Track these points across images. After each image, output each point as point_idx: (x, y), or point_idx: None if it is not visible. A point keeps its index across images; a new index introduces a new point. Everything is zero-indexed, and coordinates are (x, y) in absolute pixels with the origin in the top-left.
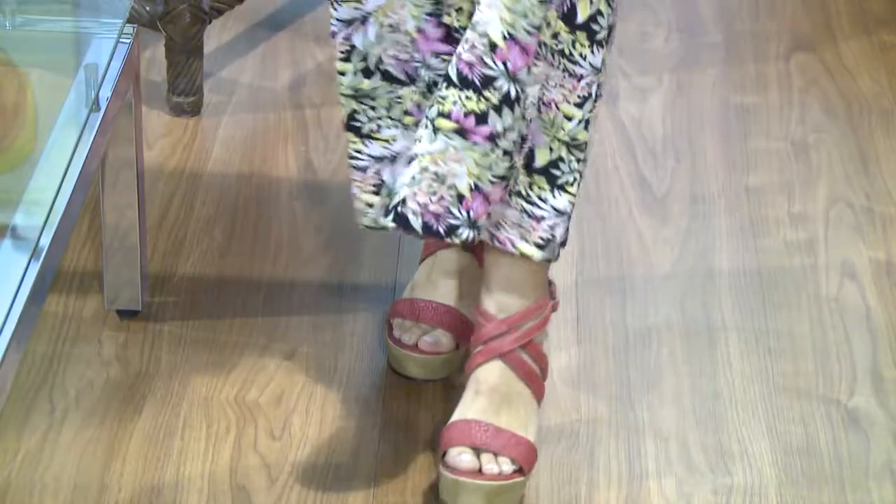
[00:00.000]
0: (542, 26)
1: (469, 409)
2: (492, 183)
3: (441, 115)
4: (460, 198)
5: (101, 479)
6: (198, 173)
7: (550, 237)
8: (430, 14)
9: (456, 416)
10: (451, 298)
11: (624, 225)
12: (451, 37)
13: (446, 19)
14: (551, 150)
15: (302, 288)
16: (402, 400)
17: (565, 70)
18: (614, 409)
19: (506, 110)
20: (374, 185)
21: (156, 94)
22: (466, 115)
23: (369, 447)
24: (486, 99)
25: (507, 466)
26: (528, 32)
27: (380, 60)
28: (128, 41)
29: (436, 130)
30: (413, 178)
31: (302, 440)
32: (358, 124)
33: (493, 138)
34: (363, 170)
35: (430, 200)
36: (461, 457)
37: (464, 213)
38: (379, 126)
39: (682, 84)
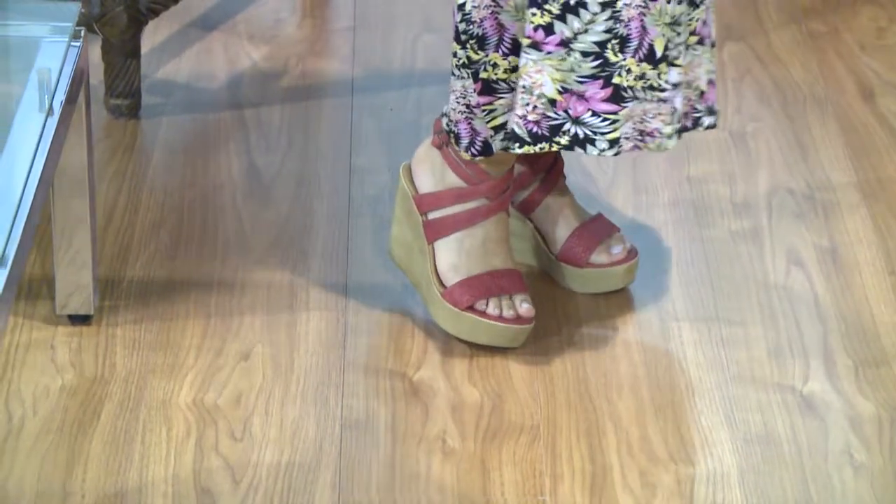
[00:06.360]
0: None
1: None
2: (580, 83)
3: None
4: (552, 102)
5: (63, 485)
6: (141, 175)
7: (673, 109)
8: None
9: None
10: (509, 262)
11: None
12: None
13: None
14: (663, 35)
15: (253, 288)
16: (360, 397)
17: None
18: (573, 403)
19: (569, 17)
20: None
21: (93, 96)
22: (536, 29)
23: (332, 445)
24: (548, 11)
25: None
26: None
27: None
28: (78, 45)
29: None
30: (514, 99)
31: (263, 440)
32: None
33: (564, 44)
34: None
35: (527, 111)
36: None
37: (561, 113)
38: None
39: None
